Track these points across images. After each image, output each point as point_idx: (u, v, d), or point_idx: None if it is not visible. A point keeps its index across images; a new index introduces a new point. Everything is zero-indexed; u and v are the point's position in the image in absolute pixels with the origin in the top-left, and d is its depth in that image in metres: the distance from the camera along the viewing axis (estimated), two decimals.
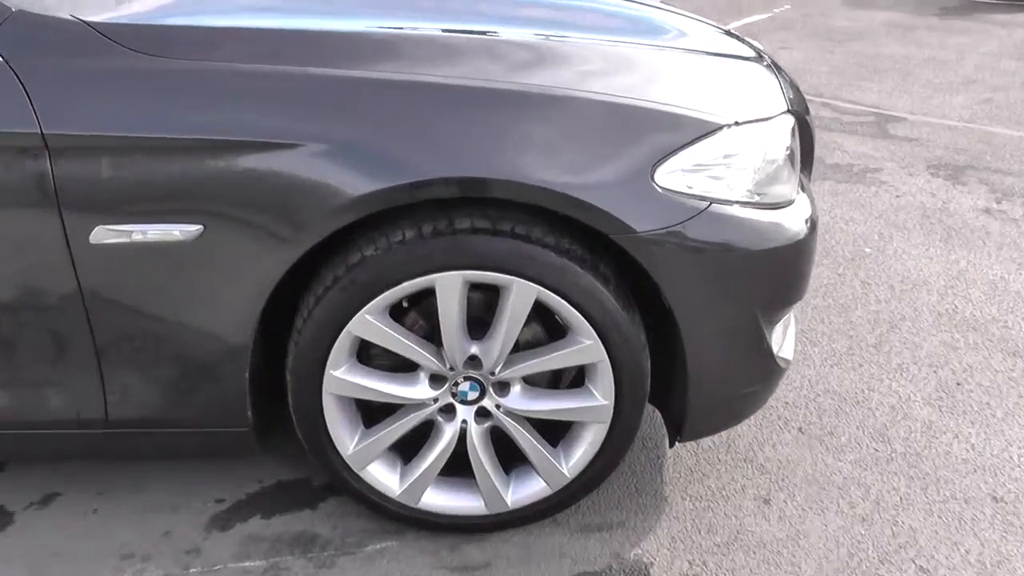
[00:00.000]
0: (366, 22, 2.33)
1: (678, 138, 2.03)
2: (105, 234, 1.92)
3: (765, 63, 2.56)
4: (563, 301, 2.02)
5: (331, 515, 2.41)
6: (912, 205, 4.50)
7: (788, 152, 2.20)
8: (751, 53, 2.64)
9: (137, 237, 1.93)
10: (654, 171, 1.99)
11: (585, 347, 2.07)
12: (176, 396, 2.11)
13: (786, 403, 2.90)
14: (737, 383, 2.25)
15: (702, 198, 2.03)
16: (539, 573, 2.22)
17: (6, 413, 2.12)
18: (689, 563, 2.26)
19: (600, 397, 2.14)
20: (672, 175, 2.01)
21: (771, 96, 2.35)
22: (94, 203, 1.91)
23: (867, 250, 3.99)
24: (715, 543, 2.32)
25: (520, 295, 2.00)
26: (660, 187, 1.99)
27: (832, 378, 3.03)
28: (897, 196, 4.62)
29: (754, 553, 2.29)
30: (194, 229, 1.92)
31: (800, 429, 2.77)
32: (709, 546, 2.31)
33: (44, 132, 1.85)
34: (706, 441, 2.71)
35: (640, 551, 2.29)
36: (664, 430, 2.73)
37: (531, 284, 1.99)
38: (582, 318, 2.03)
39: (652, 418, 2.80)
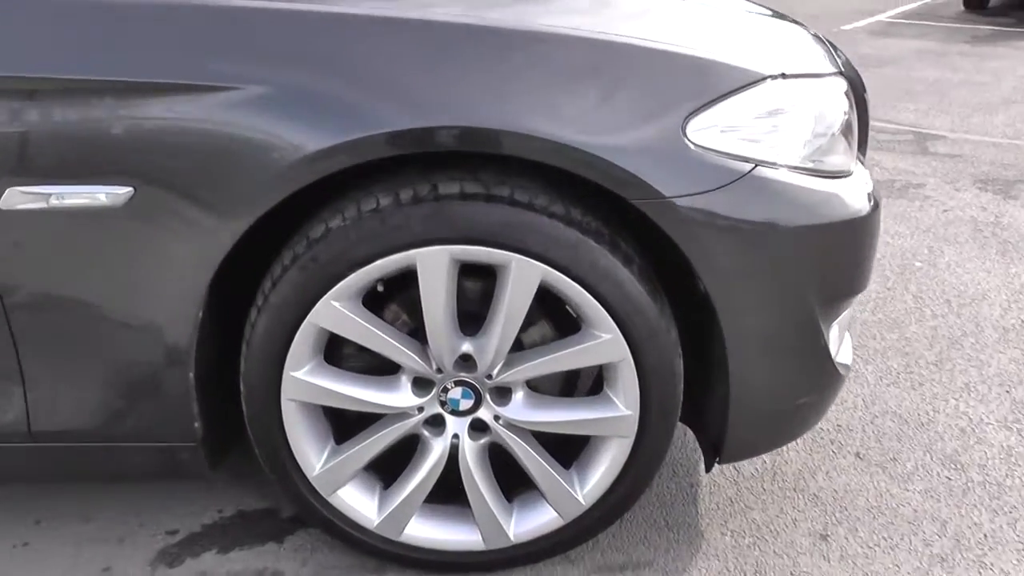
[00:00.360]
0: None
1: (714, 88, 1.67)
2: (18, 198, 1.57)
3: (811, 32, 2.20)
4: (575, 284, 1.64)
5: (300, 549, 2.02)
6: (962, 219, 4.10)
7: (845, 118, 1.83)
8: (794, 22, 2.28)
9: (56, 202, 1.57)
10: (685, 126, 1.63)
11: (603, 343, 1.68)
12: (110, 403, 1.74)
13: (838, 426, 2.49)
14: (789, 392, 1.85)
15: (744, 159, 1.65)
16: None
17: None
18: None
19: (622, 406, 1.74)
20: (707, 132, 1.64)
21: (821, 56, 1.99)
22: (3, 160, 1.56)
23: (917, 264, 3.59)
24: None
25: (521, 276, 1.62)
26: (693, 144, 1.61)
27: (890, 398, 2.62)
28: (945, 210, 4.22)
29: None
30: (123, 192, 1.57)
31: (858, 455, 2.36)
32: None
33: None
34: (747, 468, 2.30)
35: None
36: (698, 453, 2.33)
37: (535, 262, 1.62)
38: (599, 306, 1.65)
39: (682, 440, 2.40)
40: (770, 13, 2.31)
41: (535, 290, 1.64)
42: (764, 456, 2.34)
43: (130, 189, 1.56)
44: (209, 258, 1.60)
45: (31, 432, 1.76)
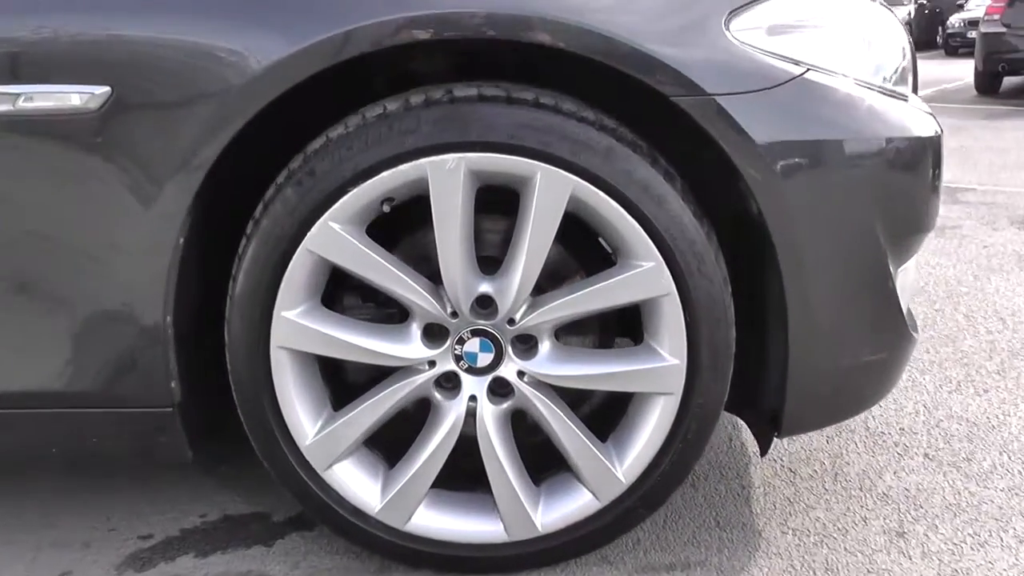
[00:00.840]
0: None
1: None
2: None
3: None
4: (609, 201, 1.41)
5: (291, 552, 1.73)
6: (1004, 252, 3.87)
7: (905, 43, 1.65)
8: None
9: (24, 105, 1.36)
10: (729, 22, 1.43)
11: (644, 273, 1.45)
12: (70, 355, 1.49)
13: (901, 429, 2.21)
14: (855, 346, 1.59)
15: (795, 61, 1.45)
16: None
17: None
18: None
19: (666, 354, 1.49)
20: (754, 32, 1.44)
21: None
22: None
23: (963, 289, 3.35)
24: None
25: (548, 190, 1.40)
26: (737, 40, 1.42)
27: (954, 404, 2.35)
28: (985, 247, 4.00)
29: None
30: (99, 92, 1.36)
31: (926, 455, 2.08)
32: None
33: None
34: (804, 469, 2.02)
35: None
36: (747, 456, 2.06)
37: (563, 173, 1.39)
38: (638, 227, 1.42)
39: (727, 444, 2.13)
40: None
41: (563, 209, 1.41)
42: (822, 458, 2.06)
43: (107, 88, 1.36)
44: (191, 173, 1.38)
45: None
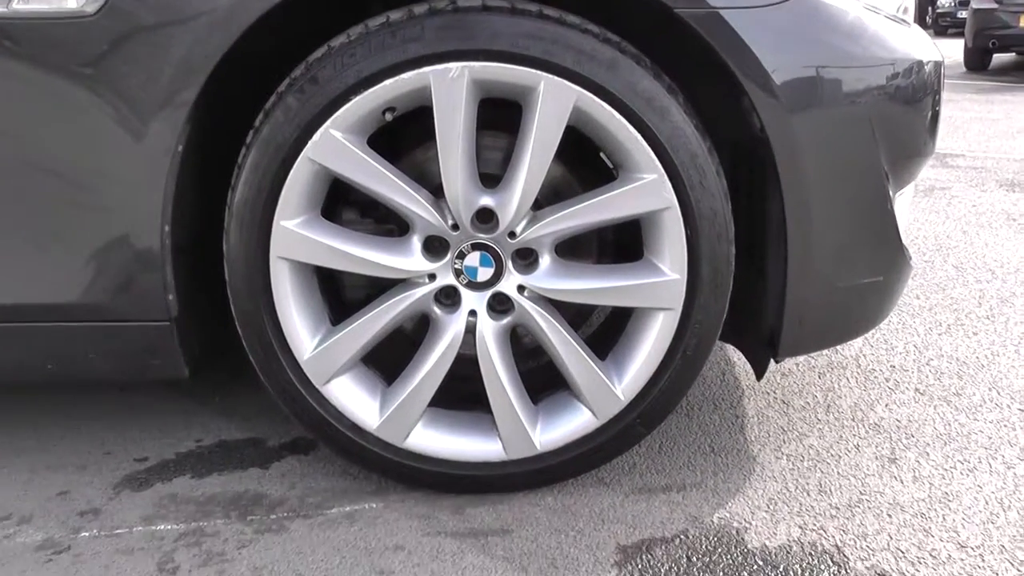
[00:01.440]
0: None
1: None
2: None
3: None
4: (612, 113, 1.41)
5: (287, 474, 1.74)
6: (993, 211, 3.90)
7: None
8: None
9: (18, 7, 1.35)
10: None
11: (645, 185, 1.45)
12: (64, 266, 1.48)
13: (892, 366, 2.23)
14: (854, 267, 1.60)
15: None
16: (584, 542, 1.52)
17: None
18: (801, 528, 1.56)
19: (667, 269, 1.50)
20: None
21: None
22: None
23: (952, 243, 3.37)
24: (832, 504, 1.63)
25: (551, 100, 1.40)
26: None
27: (944, 344, 2.37)
28: (973, 205, 4.02)
29: (889, 516, 1.59)
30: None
31: (917, 390, 2.10)
32: (824, 508, 1.62)
33: None
34: (796, 400, 2.03)
35: (727, 513, 1.60)
36: (741, 388, 2.08)
37: (567, 83, 1.39)
38: (640, 139, 1.42)
39: (721, 378, 2.14)
40: None
41: (566, 120, 1.41)
42: (815, 391, 2.08)
43: None
44: (189, 79, 1.37)
45: None
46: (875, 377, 2.17)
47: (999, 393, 2.08)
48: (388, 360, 1.65)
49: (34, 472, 1.76)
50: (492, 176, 1.55)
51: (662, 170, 1.43)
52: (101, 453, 1.82)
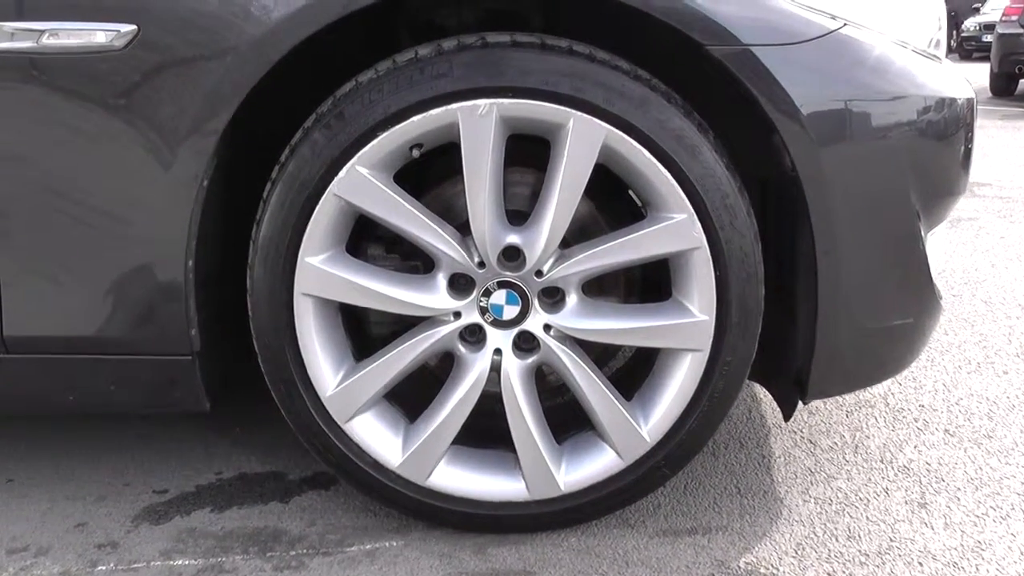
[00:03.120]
0: None
1: None
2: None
3: None
4: (642, 151, 1.39)
5: (307, 509, 1.72)
6: (1022, 244, 3.85)
7: (941, 16, 1.64)
8: None
9: (49, 41, 1.35)
10: None
11: (675, 224, 1.43)
12: (92, 301, 1.48)
13: (921, 406, 2.19)
14: (884, 308, 1.57)
15: (833, 16, 1.43)
16: None
17: None
18: (829, 574, 1.52)
19: (695, 309, 1.47)
20: None
21: None
22: None
23: (981, 276, 3.32)
24: (861, 551, 1.59)
25: (581, 138, 1.38)
26: None
27: (974, 383, 2.33)
28: (1002, 237, 3.97)
29: (920, 565, 1.56)
30: (125, 31, 1.34)
31: (947, 431, 2.06)
32: (853, 555, 1.58)
33: None
34: (824, 441, 2.00)
35: (754, 558, 1.57)
36: (767, 427, 2.04)
37: (596, 120, 1.37)
38: (670, 178, 1.40)
39: (747, 416, 2.11)
40: None
41: (595, 157, 1.40)
42: (842, 431, 2.04)
43: (133, 27, 1.34)
44: (216, 114, 1.37)
45: (3, 339, 1.50)
46: (904, 417, 2.13)
47: None
48: (411, 396, 1.63)
49: (53, 502, 1.75)
50: (519, 212, 1.54)
51: (692, 210, 1.41)
52: (120, 484, 1.81)
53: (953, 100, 1.53)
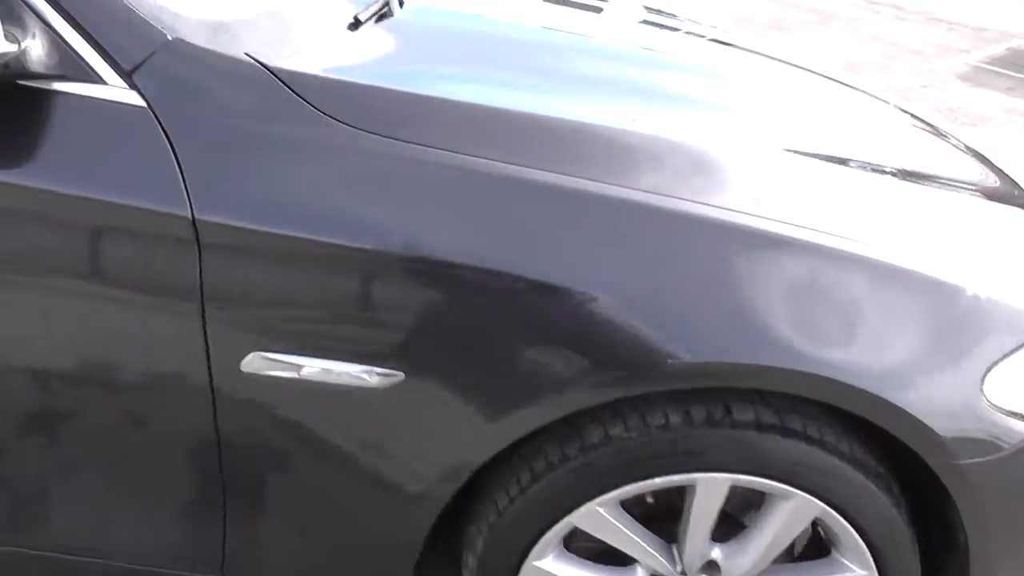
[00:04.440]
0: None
1: (1014, 336, 1.60)
2: (262, 363, 1.46)
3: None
4: (848, 527, 1.59)
5: None
6: None
7: None
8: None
9: (310, 374, 1.47)
10: (984, 380, 1.56)
11: None
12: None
13: None
14: None
15: None
16: None
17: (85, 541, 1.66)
18: None
19: None
20: (1003, 387, 1.57)
21: None
22: (252, 321, 1.46)
23: None
24: None
25: (797, 513, 1.58)
26: (990, 402, 1.55)
27: None
28: None
29: None
30: (394, 377, 1.47)
31: None
32: None
33: (196, 218, 1.38)
34: None
35: None
36: None
37: (816, 501, 1.57)
38: (864, 547, 1.61)
39: None
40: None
41: (804, 527, 1.60)
42: None
43: (400, 375, 1.46)
44: (470, 457, 1.54)
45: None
46: None
47: None
48: None
49: None
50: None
51: (875, 570, 1.62)
52: None
53: None
